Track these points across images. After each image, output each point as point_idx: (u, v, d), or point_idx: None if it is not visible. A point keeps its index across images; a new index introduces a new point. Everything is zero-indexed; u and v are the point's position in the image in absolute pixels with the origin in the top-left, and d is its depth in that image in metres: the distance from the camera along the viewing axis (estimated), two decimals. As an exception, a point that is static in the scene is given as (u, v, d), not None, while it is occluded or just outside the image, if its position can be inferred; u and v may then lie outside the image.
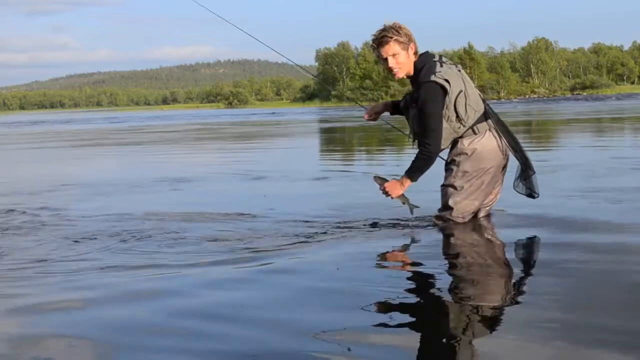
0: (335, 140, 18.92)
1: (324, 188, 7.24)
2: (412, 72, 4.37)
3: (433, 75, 4.21)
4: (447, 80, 4.21)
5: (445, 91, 4.21)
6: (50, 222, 5.36)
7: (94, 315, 2.99)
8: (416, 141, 4.43)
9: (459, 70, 4.36)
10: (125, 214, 5.52)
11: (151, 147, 16.94)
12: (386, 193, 4.48)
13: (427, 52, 4.42)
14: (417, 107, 4.27)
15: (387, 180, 4.51)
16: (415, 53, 4.36)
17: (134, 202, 6.42)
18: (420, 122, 4.28)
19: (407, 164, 4.42)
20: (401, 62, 4.30)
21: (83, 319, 2.96)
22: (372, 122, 5.12)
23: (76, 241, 4.55)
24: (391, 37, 4.26)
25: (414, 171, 4.38)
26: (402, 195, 4.50)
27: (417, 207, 4.57)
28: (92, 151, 16.64)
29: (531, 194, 4.48)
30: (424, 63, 4.30)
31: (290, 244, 4.18)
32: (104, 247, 4.32)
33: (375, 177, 4.61)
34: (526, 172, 4.43)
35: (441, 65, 4.28)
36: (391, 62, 4.30)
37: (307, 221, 4.87)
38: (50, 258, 4.09)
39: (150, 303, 3.14)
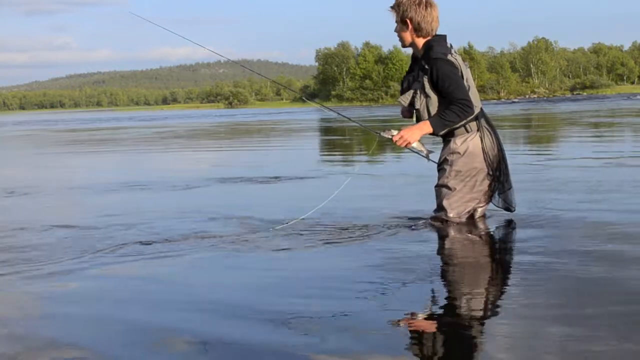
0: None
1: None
2: (419, 48, 4.33)
3: (449, 55, 4.22)
4: (458, 65, 4.22)
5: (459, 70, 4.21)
6: None
7: None
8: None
9: (466, 64, 4.35)
10: None
11: None
12: (401, 140, 4.23)
13: (444, 35, 4.36)
14: (436, 81, 4.18)
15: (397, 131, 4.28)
16: (417, 31, 4.29)
17: None
18: (446, 91, 4.17)
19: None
20: (398, 33, 4.39)
21: None
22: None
23: None
24: (391, 7, 4.41)
25: (442, 121, 4.19)
26: (419, 141, 4.28)
27: (431, 152, 4.39)
28: None
29: (508, 207, 4.46)
30: (438, 44, 4.27)
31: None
32: None
33: (382, 133, 4.31)
34: (503, 186, 4.39)
35: (452, 54, 4.27)
36: (395, 28, 4.40)
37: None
38: None
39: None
